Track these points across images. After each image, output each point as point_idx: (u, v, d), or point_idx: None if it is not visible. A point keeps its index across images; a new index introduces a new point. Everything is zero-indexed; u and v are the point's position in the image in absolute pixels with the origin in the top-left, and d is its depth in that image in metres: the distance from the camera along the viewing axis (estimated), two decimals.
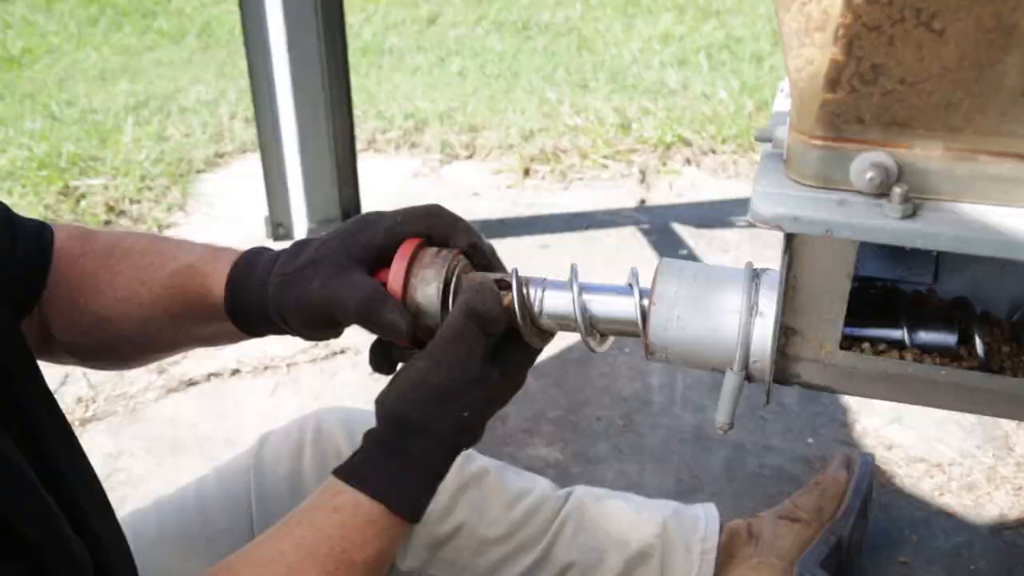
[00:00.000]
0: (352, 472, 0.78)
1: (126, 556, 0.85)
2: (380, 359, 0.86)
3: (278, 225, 2.67)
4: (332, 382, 2.09)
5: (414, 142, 3.39)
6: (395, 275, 0.81)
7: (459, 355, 0.78)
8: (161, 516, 1.15)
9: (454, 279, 0.82)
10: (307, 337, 0.87)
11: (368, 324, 0.80)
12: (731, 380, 0.76)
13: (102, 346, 0.93)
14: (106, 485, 0.84)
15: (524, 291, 0.82)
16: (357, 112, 3.50)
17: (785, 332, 0.75)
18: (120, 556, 0.84)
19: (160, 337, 0.92)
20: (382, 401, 0.80)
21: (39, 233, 0.90)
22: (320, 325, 0.83)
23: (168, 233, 2.78)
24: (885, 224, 0.61)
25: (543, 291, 0.83)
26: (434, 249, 0.84)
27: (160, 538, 1.12)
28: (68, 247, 0.91)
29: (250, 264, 0.86)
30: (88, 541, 0.73)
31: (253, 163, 3.08)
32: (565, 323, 0.83)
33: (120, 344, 0.93)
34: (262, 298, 0.84)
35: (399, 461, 0.78)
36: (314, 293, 0.80)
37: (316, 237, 0.85)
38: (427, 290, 0.81)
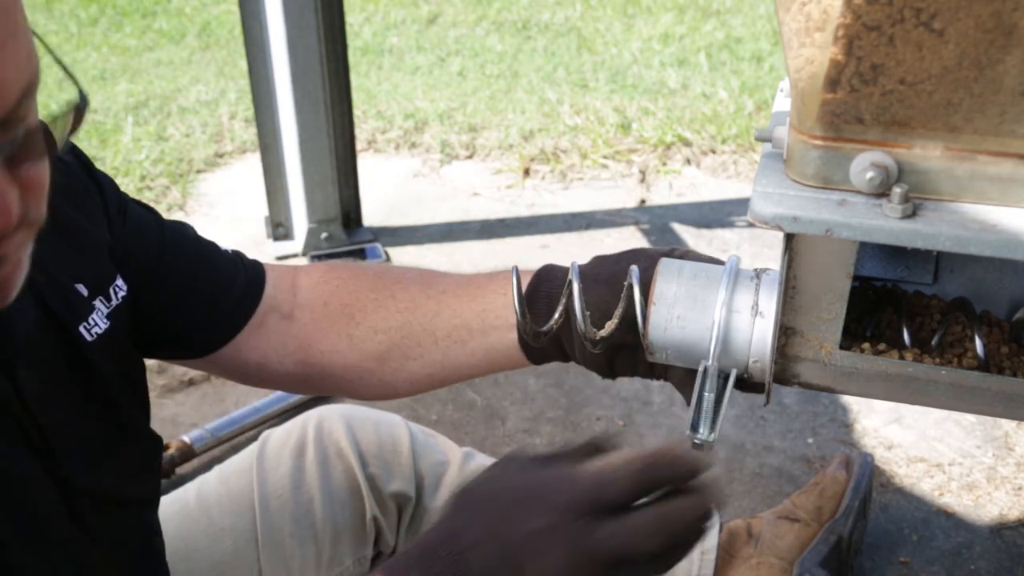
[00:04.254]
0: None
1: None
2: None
3: (278, 225, 2.67)
4: None
5: (414, 142, 3.39)
6: None
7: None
8: (163, 516, 1.15)
9: None
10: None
11: None
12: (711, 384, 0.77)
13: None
14: None
15: (522, 288, 0.82)
16: (357, 112, 3.50)
17: (785, 332, 0.75)
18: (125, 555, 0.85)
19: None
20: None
21: (254, 269, 0.98)
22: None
23: None
24: (885, 224, 0.61)
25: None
26: None
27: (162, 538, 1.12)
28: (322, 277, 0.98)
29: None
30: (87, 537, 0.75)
31: (253, 163, 3.08)
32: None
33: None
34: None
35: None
36: None
37: None
38: None
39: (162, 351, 0.96)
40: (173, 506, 1.17)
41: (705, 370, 0.77)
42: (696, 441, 0.76)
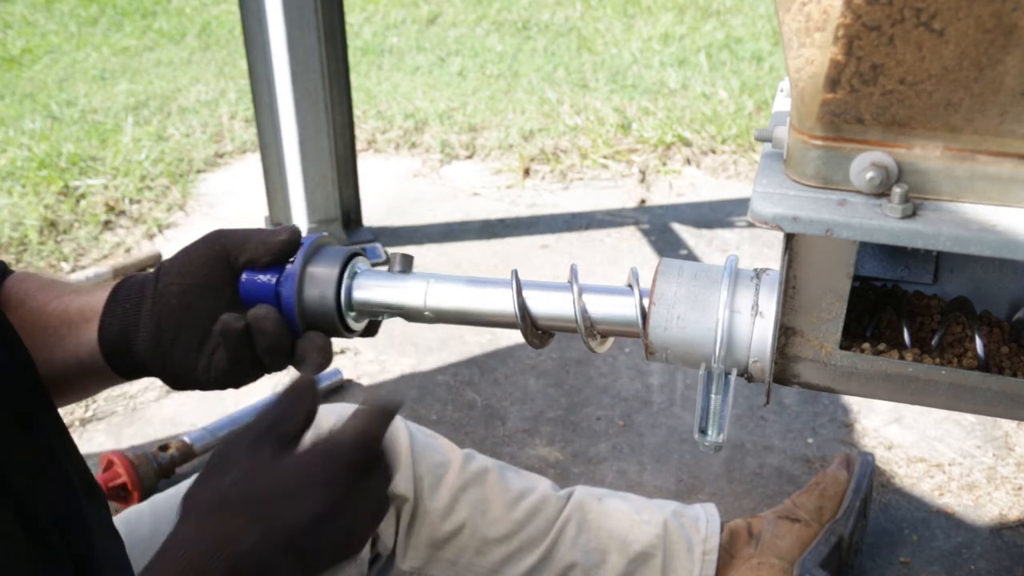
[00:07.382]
0: None
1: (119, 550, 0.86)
2: None
3: (278, 225, 2.66)
4: None
5: (414, 142, 3.39)
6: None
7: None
8: (156, 515, 1.15)
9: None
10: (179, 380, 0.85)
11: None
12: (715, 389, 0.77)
13: None
14: None
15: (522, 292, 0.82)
16: (357, 112, 3.50)
17: (785, 332, 0.75)
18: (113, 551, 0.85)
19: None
20: None
21: None
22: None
23: (168, 233, 2.78)
24: (885, 224, 0.61)
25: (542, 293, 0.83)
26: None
27: (153, 536, 1.11)
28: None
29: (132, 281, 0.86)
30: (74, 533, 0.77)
31: (253, 163, 3.08)
32: (565, 324, 0.83)
33: None
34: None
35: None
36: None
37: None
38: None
39: None
40: (166, 504, 1.17)
41: (709, 373, 0.77)
42: (706, 444, 0.76)
